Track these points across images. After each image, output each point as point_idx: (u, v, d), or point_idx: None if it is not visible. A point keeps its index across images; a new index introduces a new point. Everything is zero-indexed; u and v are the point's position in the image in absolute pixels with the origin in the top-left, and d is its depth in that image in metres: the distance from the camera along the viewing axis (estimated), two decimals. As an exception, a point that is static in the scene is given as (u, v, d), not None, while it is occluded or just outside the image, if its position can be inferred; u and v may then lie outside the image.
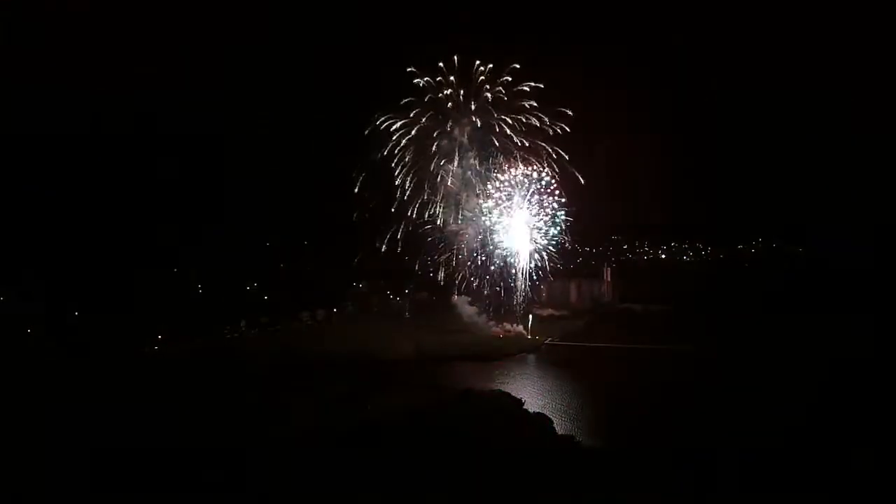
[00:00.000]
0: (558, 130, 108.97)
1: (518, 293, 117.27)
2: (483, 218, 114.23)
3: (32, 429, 60.71)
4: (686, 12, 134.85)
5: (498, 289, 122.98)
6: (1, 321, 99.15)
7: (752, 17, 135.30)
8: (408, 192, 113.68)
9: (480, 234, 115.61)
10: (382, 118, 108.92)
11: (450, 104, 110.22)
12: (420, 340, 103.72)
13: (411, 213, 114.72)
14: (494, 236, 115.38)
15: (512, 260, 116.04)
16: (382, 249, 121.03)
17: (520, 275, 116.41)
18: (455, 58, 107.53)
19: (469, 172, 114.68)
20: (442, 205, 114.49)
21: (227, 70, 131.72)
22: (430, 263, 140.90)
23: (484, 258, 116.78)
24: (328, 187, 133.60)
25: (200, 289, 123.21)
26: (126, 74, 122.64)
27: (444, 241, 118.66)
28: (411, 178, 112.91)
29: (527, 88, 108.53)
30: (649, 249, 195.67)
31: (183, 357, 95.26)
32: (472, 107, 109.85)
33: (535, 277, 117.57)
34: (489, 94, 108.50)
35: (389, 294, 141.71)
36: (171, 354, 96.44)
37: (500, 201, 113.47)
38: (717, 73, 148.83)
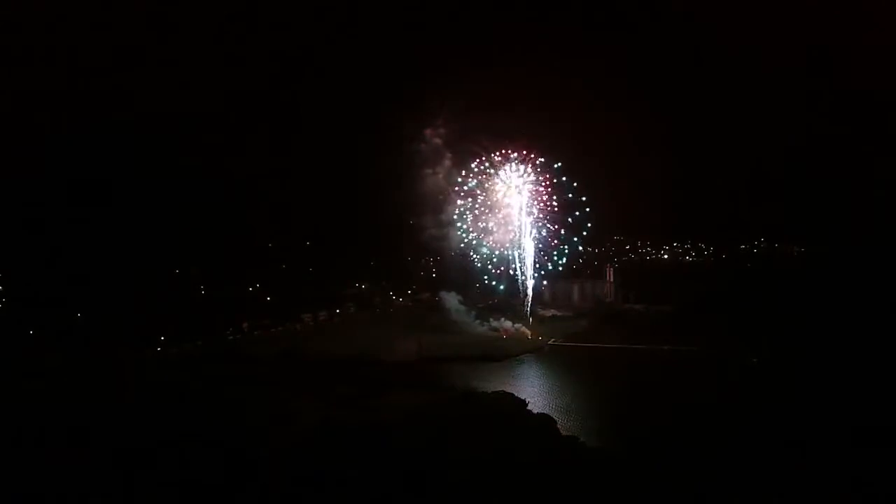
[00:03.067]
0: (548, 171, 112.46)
1: (522, 293, 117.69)
2: (462, 223, 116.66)
3: (33, 429, 60.49)
4: (689, 11, 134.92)
5: (491, 288, 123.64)
6: (1, 321, 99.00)
7: (753, 15, 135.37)
8: (390, 198, 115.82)
9: (464, 235, 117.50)
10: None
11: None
12: (422, 341, 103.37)
13: (401, 217, 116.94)
14: (480, 236, 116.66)
15: (509, 259, 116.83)
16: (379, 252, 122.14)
17: (523, 275, 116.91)
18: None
19: (444, 175, 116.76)
20: (424, 208, 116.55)
21: (229, 70, 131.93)
22: (432, 264, 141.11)
23: (470, 257, 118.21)
24: (329, 190, 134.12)
25: (202, 290, 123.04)
26: (127, 74, 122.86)
27: (432, 243, 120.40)
28: (398, 185, 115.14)
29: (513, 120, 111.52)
30: (652, 250, 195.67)
31: (185, 358, 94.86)
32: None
33: (537, 277, 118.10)
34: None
35: (392, 295, 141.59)
36: (173, 355, 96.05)
37: (479, 203, 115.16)
38: (718, 74, 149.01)
